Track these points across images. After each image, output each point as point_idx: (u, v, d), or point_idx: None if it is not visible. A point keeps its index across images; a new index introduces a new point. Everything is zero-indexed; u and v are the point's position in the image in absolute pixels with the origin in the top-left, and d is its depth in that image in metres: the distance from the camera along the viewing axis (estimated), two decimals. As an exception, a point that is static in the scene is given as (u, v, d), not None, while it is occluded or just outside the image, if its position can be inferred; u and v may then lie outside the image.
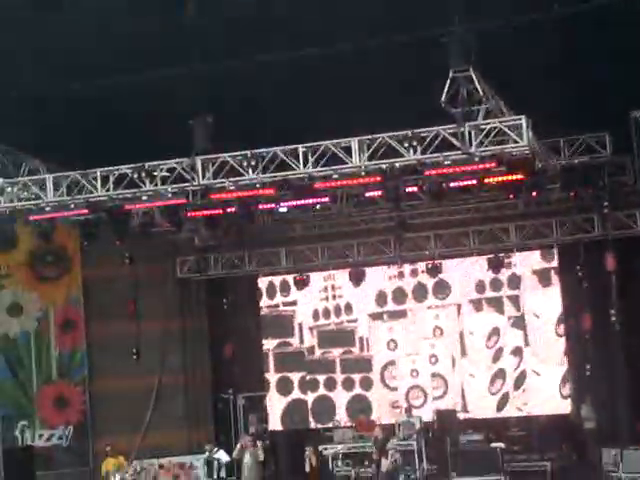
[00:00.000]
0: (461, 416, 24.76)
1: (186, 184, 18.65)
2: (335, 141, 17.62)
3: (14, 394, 25.47)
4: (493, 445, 22.14)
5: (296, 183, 18.46)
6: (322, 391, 26.50)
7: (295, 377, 26.78)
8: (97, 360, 25.83)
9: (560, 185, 20.22)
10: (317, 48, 15.32)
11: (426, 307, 25.79)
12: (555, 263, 24.63)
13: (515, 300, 24.99)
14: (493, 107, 16.50)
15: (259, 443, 21.28)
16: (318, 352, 26.69)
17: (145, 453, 24.27)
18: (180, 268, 26.58)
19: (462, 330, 25.49)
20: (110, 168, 18.88)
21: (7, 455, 23.69)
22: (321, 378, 26.52)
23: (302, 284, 26.12)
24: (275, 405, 26.81)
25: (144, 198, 18.95)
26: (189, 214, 19.74)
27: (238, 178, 18.30)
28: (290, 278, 26.47)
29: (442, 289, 25.59)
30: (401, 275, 25.95)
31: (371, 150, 17.46)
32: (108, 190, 18.99)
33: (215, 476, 21.04)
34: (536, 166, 17.64)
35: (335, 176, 18.00)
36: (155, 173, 18.66)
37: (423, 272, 25.44)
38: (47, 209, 19.45)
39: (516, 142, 16.44)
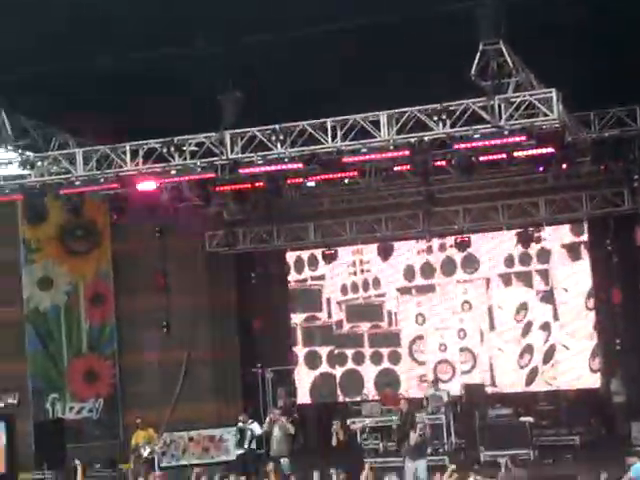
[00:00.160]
0: (489, 390, 24.80)
1: (215, 158, 18.64)
2: (364, 115, 17.55)
3: (45, 367, 25.70)
4: (522, 419, 22.16)
5: (324, 157, 18.45)
6: (350, 365, 26.58)
7: (323, 351, 26.87)
8: (126, 334, 26.02)
9: (590, 158, 20.05)
10: (347, 22, 15.21)
11: (455, 281, 25.76)
12: (585, 237, 24.53)
13: (544, 274, 24.92)
14: (523, 80, 16.36)
15: (289, 416, 21.43)
16: (346, 326, 26.74)
17: (175, 426, 24.46)
18: (209, 242, 26.61)
19: (491, 304, 25.46)
20: (139, 142, 18.93)
21: (38, 428, 23.98)
22: (349, 352, 26.59)
23: (330, 258, 26.14)
24: (303, 379, 26.92)
25: (173, 172, 18.99)
26: (218, 188, 19.79)
27: (266, 152, 18.27)
28: (318, 252, 26.49)
29: (471, 263, 25.55)
30: (429, 249, 25.92)
31: (400, 124, 17.36)
32: (137, 164, 19.06)
33: (246, 446, 21.13)
34: (566, 139, 17.51)
35: (363, 150, 17.92)
36: (184, 147, 18.67)
37: (452, 246, 25.40)
38: (77, 183, 19.51)
39: (546, 115, 16.29)
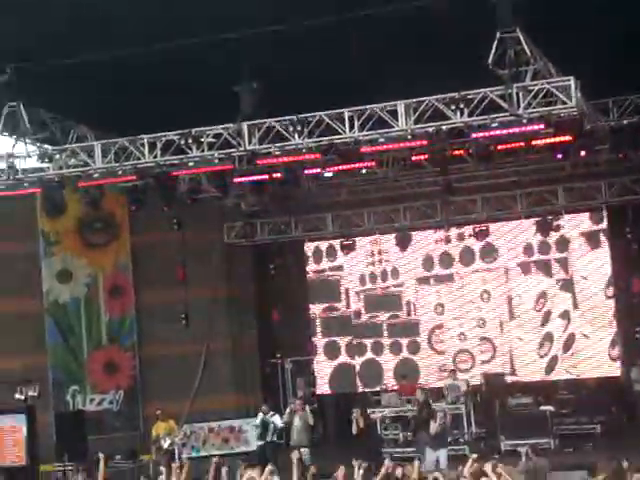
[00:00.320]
0: (509, 379, 24.76)
1: (232, 150, 18.66)
2: (381, 105, 17.53)
3: (65, 359, 25.79)
4: (542, 408, 22.12)
5: (342, 147, 18.44)
6: (369, 355, 26.56)
7: (342, 341, 26.85)
8: (146, 326, 26.09)
9: (609, 146, 19.93)
10: (362, 12, 15.19)
11: (473, 271, 25.70)
12: (604, 225, 24.40)
13: (563, 263, 24.82)
14: (541, 68, 16.30)
15: (308, 407, 21.44)
16: (365, 316, 26.73)
17: (195, 417, 24.52)
18: (227, 234, 26.67)
19: (510, 293, 25.39)
20: (157, 134, 18.96)
21: (59, 419, 24.05)
22: (368, 342, 26.57)
23: (348, 249, 26.15)
24: (322, 369, 26.93)
25: (191, 164, 19.00)
26: (235, 180, 19.79)
27: (284, 143, 18.28)
28: (336, 243, 26.50)
29: (489, 252, 25.48)
30: (448, 239, 25.86)
31: (417, 113, 17.34)
32: (155, 156, 19.09)
33: (268, 439, 21.15)
34: (584, 127, 17.44)
35: (381, 140, 17.89)
36: (202, 139, 18.70)
37: (470, 236, 25.35)
38: (95, 176, 19.58)
39: (564, 103, 16.22)
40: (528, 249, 25.15)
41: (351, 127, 17.79)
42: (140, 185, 20.01)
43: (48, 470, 22.61)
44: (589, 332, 24.48)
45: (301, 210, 25.77)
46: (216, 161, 18.83)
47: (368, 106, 17.58)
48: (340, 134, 17.90)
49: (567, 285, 24.81)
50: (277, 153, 18.52)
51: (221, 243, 26.58)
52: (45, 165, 19.94)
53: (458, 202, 24.48)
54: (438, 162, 19.63)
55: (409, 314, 26.31)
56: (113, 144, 19.35)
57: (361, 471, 14.18)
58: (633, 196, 23.24)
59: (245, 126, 18.28)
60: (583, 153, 18.51)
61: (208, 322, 25.86)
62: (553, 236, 24.65)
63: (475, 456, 14.94)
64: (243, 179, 19.79)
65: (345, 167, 19.56)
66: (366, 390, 26.23)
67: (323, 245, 26.94)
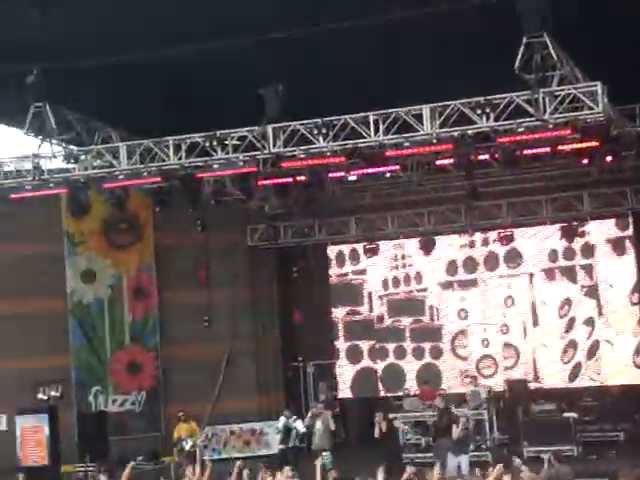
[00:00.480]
0: (532, 386, 24.63)
1: (257, 152, 18.69)
2: (406, 108, 17.48)
3: (88, 360, 25.84)
4: (565, 415, 22.02)
5: (367, 151, 18.40)
6: (392, 359, 26.48)
7: (364, 345, 26.78)
8: (169, 327, 26.12)
9: (635, 152, 19.82)
10: (389, 14, 15.16)
11: (498, 276, 25.58)
12: (630, 231, 24.24)
13: (588, 269, 24.67)
14: (568, 73, 16.23)
15: (330, 411, 21.39)
16: (388, 321, 26.65)
17: (216, 419, 24.55)
18: (250, 236, 26.68)
19: (534, 299, 25.25)
20: (182, 136, 19.00)
21: (81, 420, 24.15)
22: (391, 347, 26.49)
23: (372, 253, 26.09)
24: (345, 373, 26.87)
25: (215, 166, 19.05)
26: (260, 182, 19.79)
27: (309, 146, 18.28)
28: (360, 247, 26.44)
29: (514, 258, 25.35)
30: (472, 244, 25.76)
31: (443, 117, 17.29)
32: (180, 158, 19.12)
33: (290, 444, 21.09)
34: (611, 133, 17.37)
35: (406, 144, 17.88)
36: (226, 141, 18.73)
37: (495, 241, 25.24)
38: (120, 177, 19.64)
39: (591, 109, 16.16)
40: (553, 255, 25.01)
41: (376, 131, 17.76)
42: (165, 187, 20.07)
43: (70, 471, 22.66)
44: (613, 339, 24.32)
45: (325, 213, 25.74)
46: (241, 163, 18.85)
47: (393, 110, 17.54)
48: (365, 138, 17.87)
49: (592, 291, 24.66)
50: (302, 156, 18.51)
51: (244, 245, 26.58)
52: (70, 166, 20.01)
53: (483, 207, 24.39)
54: (463, 166, 19.55)
55: (432, 319, 26.22)
56: (138, 145, 19.41)
57: (383, 477, 14.10)
58: (660, 203, 23.11)
59: (270, 129, 18.28)
60: (609, 159, 18.39)
61: (231, 324, 25.90)
62: (578, 242, 24.51)
63: (500, 466, 14.81)
64: (267, 182, 19.79)
65: (369, 171, 19.51)
66: (388, 395, 26.14)
67: (346, 249, 26.89)
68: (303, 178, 19.42)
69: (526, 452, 20.89)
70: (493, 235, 25.20)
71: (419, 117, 17.42)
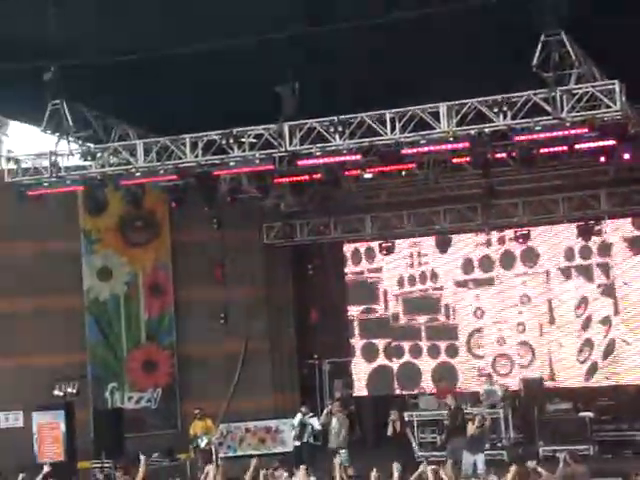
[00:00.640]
0: (548, 385, 24.54)
1: (273, 150, 18.66)
2: (423, 106, 17.44)
3: (104, 357, 25.93)
4: (581, 414, 21.96)
5: (383, 149, 18.38)
6: (407, 358, 26.45)
7: (380, 343, 26.76)
8: (185, 324, 26.17)
9: (653, 151, 19.76)
10: (406, 12, 15.13)
11: (514, 275, 25.51)
12: (647, 230, 24.18)
13: (605, 268, 24.58)
14: (585, 71, 16.17)
15: (345, 411, 21.38)
16: (403, 319, 26.62)
17: (231, 417, 24.57)
18: (266, 234, 26.68)
19: (550, 298, 25.18)
20: (199, 134, 19.02)
21: (97, 417, 24.22)
22: (406, 345, 26.46)
23: (387, 251, 26.04)
24: (360, 371, 26.86)
25: (232, 164, 19.05)
26: (276, 180, 19.80)
27: (325, 144, 18.24)
28: (375, 245, 26.40)
29: (530, 257, 25.28)
30: (488, 242, 25.70)
31: (460, 115, 17.24)
32: (197, 156, 19.14)
33: (305, 440, 21.13)
34: (629, 131, 17.29)
35: (422, 142, 17.82)
36: (243, 139, 18.72)
37: (511, 239, 25.18)
38: (137, 174, 19.66)
39: (609, 107, 16.09)
40: (569, 253, 24.94)
41: (392, 129, 17.72)
42: (181, 184, 20.12)
43: (86, 467, 22.75)
44: (630, 338, 24.23)
45: (340, 211, 25.73)
46: (257, 161, 18.84)
47: (410, 108, 17.50)
48: (381, 135, 17.83)
49: (608, 290, 24.58)
50: (318, 154, 18.48)
51: (260, 243, 26.60)
52: (87, 163, 20.04)
53: (499, 205, 24.33)
54: (480, 165, 19.51)
55: (448, 317, 26.17)
56: (155, 143, 19.43)
57: (398, 474, 14.11)
58: (677, 201, 23.01)
59: (286, 127, 18.26)
60: (627, 157, 18.33)
61: (246, 322, 25.91)
62: (595, 241, 24.43)
63: (515, 467, 14.77)
64: (283, 179, 19.79)
65: (385, 169, 19.49)
66: (403, 393, 26.12)
67: (362, 247, 26.86)
68: (319, 176, 19.42)
69: (542, 451, 20.89)
70: (509, 234, 25.13)
71: (436, 115, 17.38)
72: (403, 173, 21.02)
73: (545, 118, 16.58)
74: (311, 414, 21.56)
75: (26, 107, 20.30)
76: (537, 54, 15.38)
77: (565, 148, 17.90)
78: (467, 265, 25.95)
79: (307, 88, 17.23)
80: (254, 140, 18.74)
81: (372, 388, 26.73)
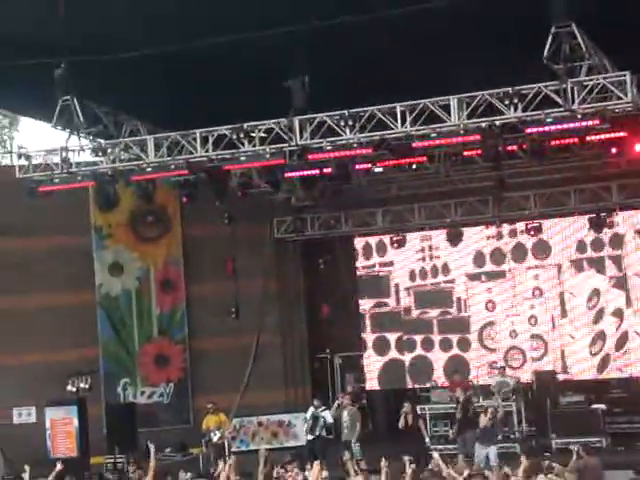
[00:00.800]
0: (560, 377, 24.49)
1: (284, 144, 18.66)
2: (434, 99, 17.42)
3: (117, 352, 25.99)
4: (594, 407, 21.90)
5: (394, 142, 18.35)
6: (419, 351, 26.43)
7: (392, 337, 26.74)
8: (196, 319, 26.21)
9: (665, 142, 19.69)
10: (416, 5, 15.11)
11: (525, 267, 25.46)
12: (659, 222, 24.11)
13: (617, 260, 24.51)
14: (596, 63, 16.13)
15: (356, 405, 21.38)
16: (415, 312, 26.59)
17: (244, 411, 24.60)
18: (277, 228, 26.69)
19: (562, 291, 25.12)
20: (209, 129, 19.03)
21: (110, 412, 24.26)
22: (418, 338, 26.43)
23: (398, 244, 26.01)
24: (372, 365, 26.85)
25: (242, 159, 19.07)
26: (286, 174, 19.79)
27: (335, 138, 18.22)
28: (386, 238, 26.38)
29: (542, 249, 25.22)
30: (500, 235, 25.65)
31: (470, 108, 17.21)
32: (207, 151, 19.15)
33: (317, 433, 21.13)
34: (640, 123, 17.25)
35: (433, 135, 17.79)
36: (253, 134, 18.74)
37: (522, 232, 25.12)
38: (148, 170, 19.69)
39: (620, 99, 16.06)
40: (581, 246, 24.87)
41: (403, 122, 17.69)
42: (192, 179, 20.12)
43: (99, 462, 22.81)
44: (642, 330, 24.20)
45: (351, 205, 25.69)
46: (267, 156, 18.84)
47: (420, 101, 17.47)
48: (392, 129, 17.81)
49: (620, 283, 24.51)
50: (328, 148, 18.47)
51: (271, 238, 26.60)
52: (98, 159, 20.11)
53: (510, 198, 24.28)
54: (491, 157, 19.46)
55: (460, 310, 26.13)
56: (166, 138, 19.45)
57: (412, 466, 14.11)
58: (689, 193, 22.92)
59: (297, 121, 18.25)
60: (638, 149, 18.26)
61: (258, 316, 25.93)
62: (607, 233, 24.36)
63: (527, 459, 14.75)
64: (294, 174, 19.78)
65: (396, 162, 19.46)
66: (416, 386, 26.10)
67: (373, 240, 26.83)
68: (330, 170, 19.39)
69: (554, 444, 20.87)
70: (521, 226, 25.07)
71: (446, 108, 17.35)
72: (414, 166, 20.95)
73: (556, 110, 16.54)
74: (323, 407, 21.54)
75: (37, 103, 20.36)
76: (548, 46, 15.35)
77: (576, 140, 17.81)
78: (478, 258, 25.90)
79: (317, 82, 17.22)
80: (264, 134, 18.76)
81: (384, 382, 26.71)
